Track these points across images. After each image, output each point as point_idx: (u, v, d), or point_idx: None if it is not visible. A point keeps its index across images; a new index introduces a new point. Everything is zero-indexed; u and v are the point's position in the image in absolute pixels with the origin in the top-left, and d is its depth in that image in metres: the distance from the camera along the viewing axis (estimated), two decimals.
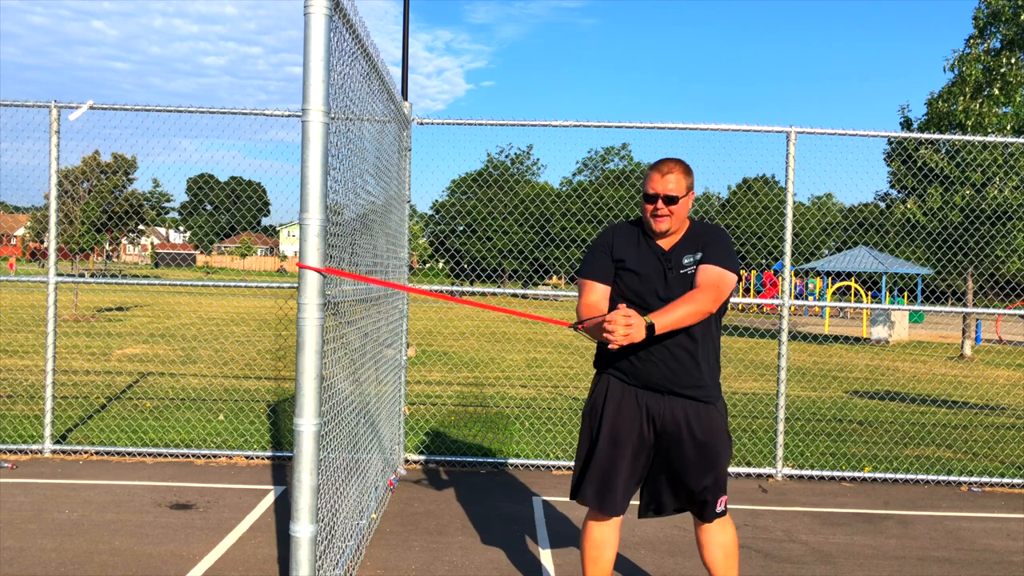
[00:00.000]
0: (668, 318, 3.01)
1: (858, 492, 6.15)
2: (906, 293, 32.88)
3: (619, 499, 3.30)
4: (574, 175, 58.72)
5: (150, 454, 6.43)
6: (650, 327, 2.96)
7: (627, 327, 2.91)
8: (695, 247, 3.27)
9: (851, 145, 6.50)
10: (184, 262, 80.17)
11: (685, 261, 3.25)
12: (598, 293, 3.30)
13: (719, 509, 3.36)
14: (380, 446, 5.21)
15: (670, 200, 3.18)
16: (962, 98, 16.87)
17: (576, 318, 3.28)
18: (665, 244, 3.30)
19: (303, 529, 2.97)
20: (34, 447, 6.37)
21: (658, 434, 3.27)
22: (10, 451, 6.37)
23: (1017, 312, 7.36)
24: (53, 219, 6.31)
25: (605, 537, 3.39)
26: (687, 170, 3.25)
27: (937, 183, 17.26)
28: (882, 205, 21.45)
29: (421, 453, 6.62)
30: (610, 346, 2.92)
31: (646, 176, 3.27)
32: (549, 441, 7.31)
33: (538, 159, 58.18)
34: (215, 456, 6.45)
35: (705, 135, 6.36)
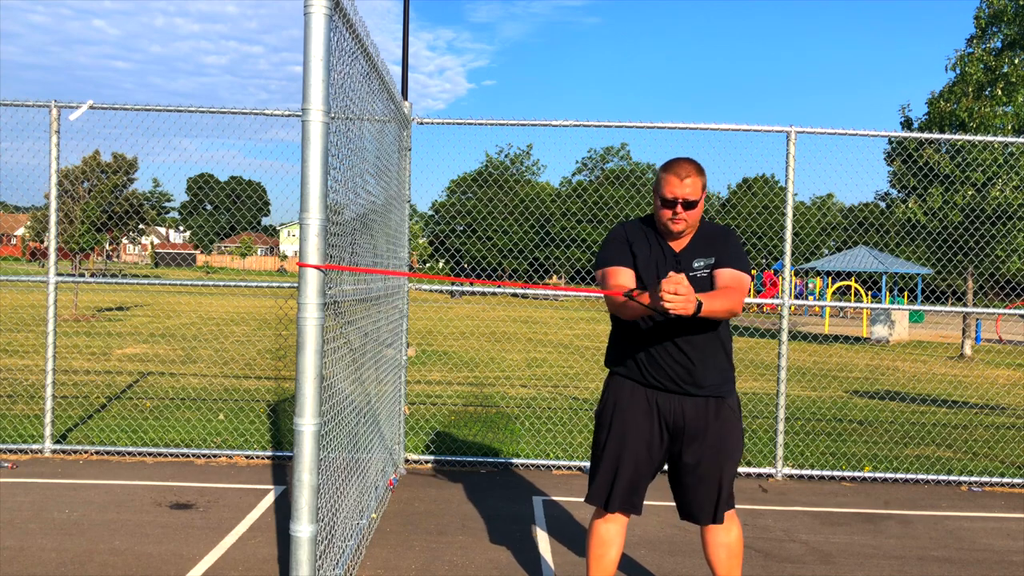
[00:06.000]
0: (713, 304, 2.95)
1: (858, 492, 6.15)
2: (906, 293, 32.87)
3: (638, 499, 3.35)
4: (573, 175, 58.77)
5: (150, 454, 6.43)
6: (699, 305, 2.88)
7: (686, 291, 2.78)
8: (707, 251, 3.28)
9: (851, 145, 6.50)
10: (184, 262, 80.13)
11: (695, 264, 3.26)
12: (627, 275, 3.24)
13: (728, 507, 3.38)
14: (380, 446, 5.21)
15: (689, 204, 3.17)
16: (964, 98, 16.86)
17: (611, 302, 3.15)
18: (676, 245, 3.30)
19: (303, 529, 2.97)
20: (34, 447, 6.37)
21: (672, 433, 3.30)
22: (10, 451, 6.37)
23: (1017, 312, 7.36)
24: (53, 219, 6.31)
25: (611, 536, 3.39)
26: (701, 170, 3.23)
27: (938, 183, 17.26)
28: (882, 205, 21.44)
29: (421, 453, 6.62)
30: (670, 310, 2.78)
31: (661, 178, 3.20)
32: (549, 441, 7.31)
33: (538, 159, 58.21)
34: (215, 456, 6.44)
35: (705, 135, 6.37)
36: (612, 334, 3.46)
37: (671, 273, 2.88)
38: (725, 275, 3.22)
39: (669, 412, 3.27)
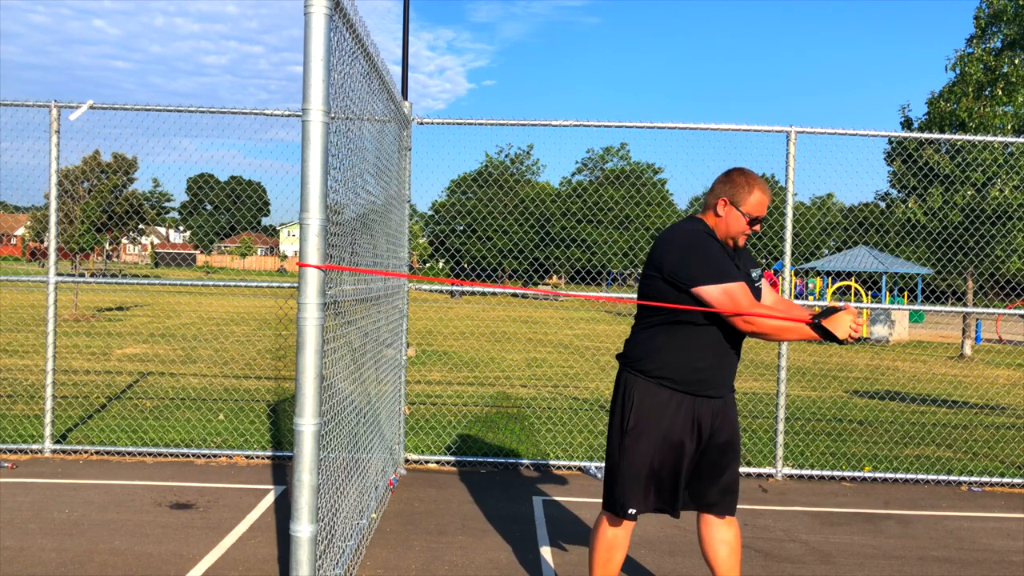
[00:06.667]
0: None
1: (858, 492, 6.15)
2: (906, 293, 32.86)
3: (679, 504, 3.35)
4: (573, 175, 58.77)
5: (150, 454, 6.43)
6: None
7: (862, 320, 3.00)
8: (749, 261, 3.39)
9: (851, 145, 6.50)
10: (184, 262, 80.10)
11: (753, 275, 3.36)
12: (749, 291, 3.17)
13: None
14: (380, 446, 5.21)
15: (764, 221, 3.27)
16: (964, 98, 16.86)
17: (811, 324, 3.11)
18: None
19: (303, 529, 2.97)
20: (34, 447, 6.37)
21: (706, 435, 3.31)
22: (10, 451, 6.37)
23: (1017, 312, 7.36)
24: (53, 219, 6.31)
25: (618, 540, 3.39)
26: None
27: (938, 183, 17.27)
28: (882, 205, 21.44)
29: (421, 453, 6.62)
30: (848, 340, 3.02)
31: (751, 197, 3.20)
32: (549, 441, 7.31)
33: (538, 159, 58.21)
34: (215, 456, 6.45)
35: (705, 135, 6.36)
36: (661, 341, 3.26)
37: (847, 305, 3.03)
38: (767, 284, 3.41)
39: (707, 417, 3.29)
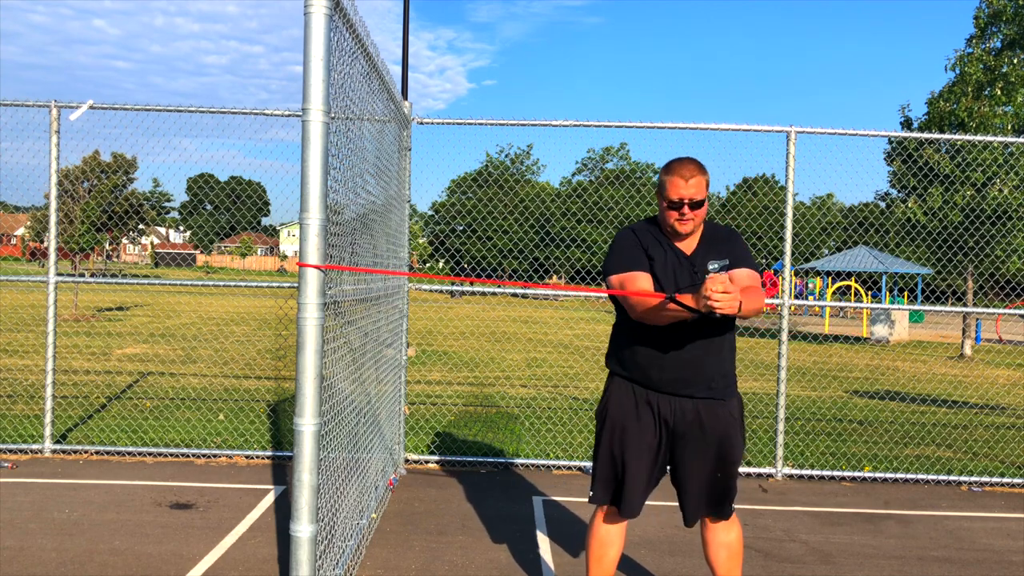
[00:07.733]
0: (749, 302, 2.95)
1: (858, 492, 6.16)
2: (906, 293, 32.86)
3: (636, 502, 3.34)
4: (573, 175, 58.77)
5: (150, 454, 6.43)
6: (740, 304, 2.83)
7: (733, 291, 2.74)
8: (718, 252, 3.28)
9: (851, 145, 6.50)
10: (184, 262, 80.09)
11: (710, 267, 3.26)
12: (647, 280, 3.18)
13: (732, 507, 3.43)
14: (380, 446, 5.22)
15: (695, 204, 3.16)
16: (964, 98, 16.86)
17: (636, 306, 3.08)
18: (685, 247, 3.28)
19: (303, 529, 2.97)
20: (34, 447, 6.37)
21: (674, 435, 3.30)
22: (10, 451, 6.37)
23: (1017, 312, 7.37)
24: (53, 219, 6.31)
25: (611, 536, 3.41)
26: (703, 168, 3.20)
27: (938, 183, 17.27)
28: (882, 205, 21.44)
29: (421, 453, 6.62)
30: (718, 311, 2.74)
31: (665, 181, 3.18)
32: (549, 441, 7.31)
33: (538, 159, 58.20)
34: (215, 456, 6.45)
35: (705, 135, 6.37)
36: (616, 336, 3.43)
37: (713, 274, 2.82)
38: (743, 275, 3.22)
39: (670, 415, 3.27)
